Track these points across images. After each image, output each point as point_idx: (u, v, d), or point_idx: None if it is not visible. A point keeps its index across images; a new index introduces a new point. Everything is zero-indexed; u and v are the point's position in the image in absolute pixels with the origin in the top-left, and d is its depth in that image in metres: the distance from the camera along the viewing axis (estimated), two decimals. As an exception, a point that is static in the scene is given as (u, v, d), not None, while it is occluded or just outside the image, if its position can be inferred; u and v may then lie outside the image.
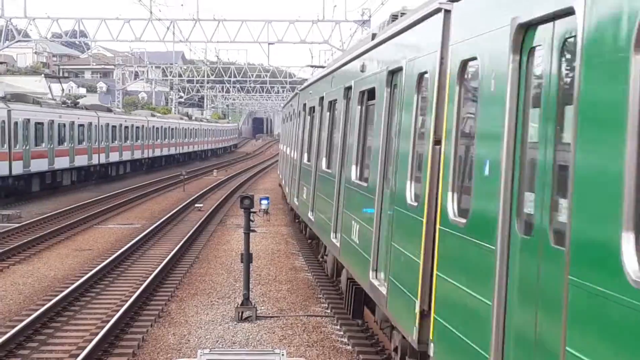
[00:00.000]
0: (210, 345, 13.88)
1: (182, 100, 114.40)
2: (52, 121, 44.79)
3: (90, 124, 52.22)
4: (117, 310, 16.17)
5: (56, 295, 17.58)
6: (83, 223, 31.51)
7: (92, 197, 41.69)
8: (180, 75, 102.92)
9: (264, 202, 26.74)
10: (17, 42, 59.97)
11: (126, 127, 60.81)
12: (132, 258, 23.62)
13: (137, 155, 64.56)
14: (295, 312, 16.92)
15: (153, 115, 74.51)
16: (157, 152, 71.95)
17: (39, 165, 42.90)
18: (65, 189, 47.64)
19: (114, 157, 57.98)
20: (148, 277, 19.52)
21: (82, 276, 19.80)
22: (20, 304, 17.54)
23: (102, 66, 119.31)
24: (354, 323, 15.41)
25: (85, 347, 13.37)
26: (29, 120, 41.29)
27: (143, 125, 66.76)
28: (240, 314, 16.13)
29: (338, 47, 54.94)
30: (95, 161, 53.12)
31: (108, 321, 15.27)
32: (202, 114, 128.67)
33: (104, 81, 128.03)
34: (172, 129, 77.75)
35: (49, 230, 28.22)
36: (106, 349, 13.87)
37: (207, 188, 48.27)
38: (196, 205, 38.20)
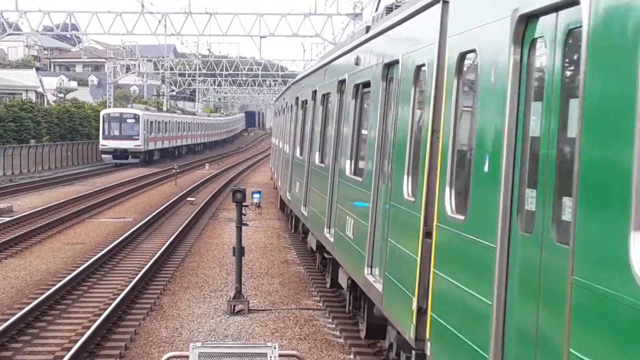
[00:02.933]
0: (203, 339, 13.90)
1: (174, 93, 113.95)
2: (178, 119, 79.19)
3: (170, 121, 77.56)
4: (110, 304, 16.18)
5: (48, 289, 17.58)
6: (75, 217, 31.48)
7: (84, 191, 41.66)
8: (172, 69, 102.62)
9: (256, 195, 26.62)
10: (8, 35, 59.75)
11: (183, 122, 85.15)
12: (125, 252, 23.62)
13: (190, 141, 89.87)
14: (288, 305, 16.96)
15: (209, 116, 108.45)
16: (214, 138, 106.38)
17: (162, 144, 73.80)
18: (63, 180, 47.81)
19: (185, 141, 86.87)
20: (140, 271, 19.53)
21: (75, 270, 19.80)
22: (13, 298, 17.54)
23: (94, 59, 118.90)
24: (346, 316, 15.48)
25: (77, 341, 13.38)
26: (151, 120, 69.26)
27: (204, 122, 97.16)
28: (232, 308, 16.16)
29: (330, 40, 54.93)
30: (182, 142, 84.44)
31: (100, 315, 15.27)
32: (194, 107, 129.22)
33: (96, 74, 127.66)
34: (217, 123, 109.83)
35: (41, 224, 28.19)
36: (98, 342, 13.89)
37: (199, 182, 48.23)
38: (188, 198, 38.19)
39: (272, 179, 36.23)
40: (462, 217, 7.21)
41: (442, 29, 8.16)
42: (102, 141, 65.77)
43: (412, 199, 9.02)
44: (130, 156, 66.00)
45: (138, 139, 65.10)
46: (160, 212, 32.53)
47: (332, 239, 14.83)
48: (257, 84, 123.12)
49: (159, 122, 71.57)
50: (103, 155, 66.98)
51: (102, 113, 67.21)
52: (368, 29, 13.25)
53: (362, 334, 13.35)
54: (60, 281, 18.41)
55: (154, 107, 79.94)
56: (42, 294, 17.12)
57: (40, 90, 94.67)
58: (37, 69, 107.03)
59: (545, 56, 5.81)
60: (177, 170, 50.40)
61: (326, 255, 16.36)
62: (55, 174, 54.42)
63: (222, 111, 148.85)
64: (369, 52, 12.29)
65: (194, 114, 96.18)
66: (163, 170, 57.57)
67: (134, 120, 65.52)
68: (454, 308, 7.35)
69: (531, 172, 5.95)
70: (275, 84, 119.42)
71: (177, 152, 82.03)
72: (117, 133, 65.33)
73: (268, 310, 16.48)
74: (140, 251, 23.77)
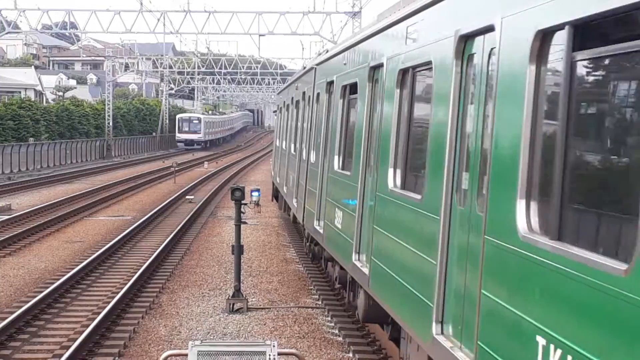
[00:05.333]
0: (202, 337, 13.90)
1: (173, 92, 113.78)
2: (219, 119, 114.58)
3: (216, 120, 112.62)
4: (108, 302, 16.17)
5: (47, 287, 17.56)
6: (73, 215, 31.46)
7: (83, 189, 41.63)
8: (170, 67, 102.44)
9: (255, 194, 26.67)
10: (7, 33, 59.66)
11: (222, 120, 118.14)
12: (123, 250, 23.60)
13: (224, 134, 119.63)
14: (286, 303, 16.95)
15: (232, 112, 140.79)
16: (235, 130, 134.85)
17: (213, 136, 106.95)
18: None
19: (222, 134, 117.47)
20: (139, 269, 19.51)
21: (73, 268, 19.79)
22: (11, 296, 17.53)
23: (93, 58, 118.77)
24: (346, 314, 15.47)
25: (76, 339, 13.37)
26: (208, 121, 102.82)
27: (229, 119, 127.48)
28: (231, 306, 16.15)
29: (329, 38, 54.93)
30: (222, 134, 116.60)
31: (99, 313, 15.27)
32: (192, 105, 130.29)
33: (94, 73, 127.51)
34: (236, 118, 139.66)
35: (40, 222, 28.16)
36: (97, 340, 13.88)
37: (198, 180, 48.21)
38: (187, 197, 38.16)
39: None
40: (419, 197, 8.72)
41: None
42: (177, 134, 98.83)
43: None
44: (195, 144, 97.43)
45: (200, 133, 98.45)
46: (159, 210, 32.51)
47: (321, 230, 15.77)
48: (255, 82, 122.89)
49: (210, 122, 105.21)
50: (178, 143, 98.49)
51: (177, 117, 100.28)
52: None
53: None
54: (58, 279, 18.40)
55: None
56: (41, 292, 17.11)
57: (39, 88, 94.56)
58: (36, 67, 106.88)
59: (477, 68, 7.30)
60: (176, 169, 50.32)
61: None
62: (54, 172, 54.38)
63: (222, 109, 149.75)
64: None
65: (224, 114, 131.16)
66: (162, 169, 57.52)
67: (198, 121, 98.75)
68: (412, 271, 8.79)
69: (466, 159, 7.51)
70: (274, 82, 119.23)
71: (218, 142, 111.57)
72: (187, 129, 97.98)
73: (267, 308, 16.47)
74: (139, 249, 23.75)
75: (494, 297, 6.30)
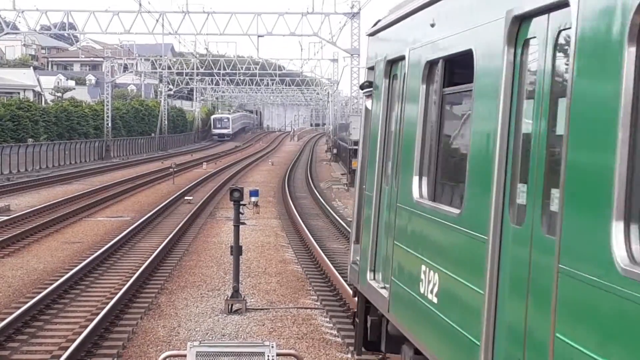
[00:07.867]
0: (200, 338, 13.89)
1: (172, 92, 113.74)
2: (237, 116, 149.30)
3: (237, 117, 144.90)
4: (107, 303, 16.15)
5: (46, 288, 17.54)
6: (72, 216, 31.44)
7: (82, 190, 41.61)
8: (169, 68, 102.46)
9: (254, 194, 26.65)
10: (5, 34, 59.69)
11: (240, 117, 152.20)
12: (122, 251, 23.60)
13: (241, 127, 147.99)
14: (285, 304, 16.95)
15: (243, 111, 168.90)
16: (246, 124, 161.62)
17: (238, 128, 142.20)
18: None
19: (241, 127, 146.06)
20: (138, 270, 19.49)
21: (72, 269, 19.77)
22: (10, 297, 17.51)
23: (91, 59, 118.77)
24: (344, 315, 15.46)
25: (74, 340, 13.36)
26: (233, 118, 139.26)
27: (242, 116, 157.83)
28: (230, 307, 16.14)
29: (328, 39, 55.00)
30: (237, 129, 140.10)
31: (98, 314, 15.25)
32: (191, 107, 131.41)
33: (93, 74, 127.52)
34: (246, 115, 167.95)
35: (38, 223, 28.15)
36: (96, 341, 13.87)
37: (197, 181, 48.18)
38: (186, 197, 38.14)
39: None
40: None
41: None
42: (213, 130, 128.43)
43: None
44: (225, 137, 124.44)
45: (229, 128, 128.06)
46: (158, 210, 32.49)
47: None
48: (254, 83, 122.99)
49: (234, 119, 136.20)
50: (213, 136, 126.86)
51: (212, 117, 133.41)
52: None
53: None
54: (57, 280, 18.38)
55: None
56: (39, 293, 17.09)
57: (37, 89, 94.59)
58: (35, 68, 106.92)
59: (398, 85, 9.37)
60: (175, 169, 50.24)
61: None
62: (52, 173, 54.37)
63: (222, 110, 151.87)
64: None
65: (238, 111, 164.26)
66: (161, 169, 57.48)
67: (227, 120, 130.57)
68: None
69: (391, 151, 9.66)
70: (272, 83, 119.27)
71: (238, 133, 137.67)
72: (219, 126, 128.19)
73: (266, 309, 16.47)
74: (138, 250, 23.74)
75: (401, 245, 8.74)
